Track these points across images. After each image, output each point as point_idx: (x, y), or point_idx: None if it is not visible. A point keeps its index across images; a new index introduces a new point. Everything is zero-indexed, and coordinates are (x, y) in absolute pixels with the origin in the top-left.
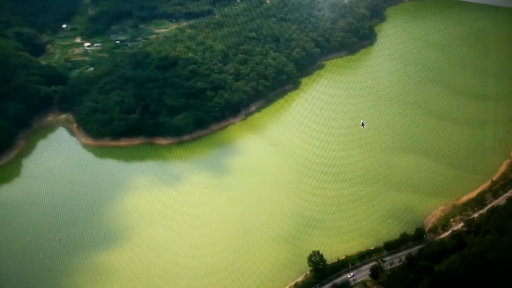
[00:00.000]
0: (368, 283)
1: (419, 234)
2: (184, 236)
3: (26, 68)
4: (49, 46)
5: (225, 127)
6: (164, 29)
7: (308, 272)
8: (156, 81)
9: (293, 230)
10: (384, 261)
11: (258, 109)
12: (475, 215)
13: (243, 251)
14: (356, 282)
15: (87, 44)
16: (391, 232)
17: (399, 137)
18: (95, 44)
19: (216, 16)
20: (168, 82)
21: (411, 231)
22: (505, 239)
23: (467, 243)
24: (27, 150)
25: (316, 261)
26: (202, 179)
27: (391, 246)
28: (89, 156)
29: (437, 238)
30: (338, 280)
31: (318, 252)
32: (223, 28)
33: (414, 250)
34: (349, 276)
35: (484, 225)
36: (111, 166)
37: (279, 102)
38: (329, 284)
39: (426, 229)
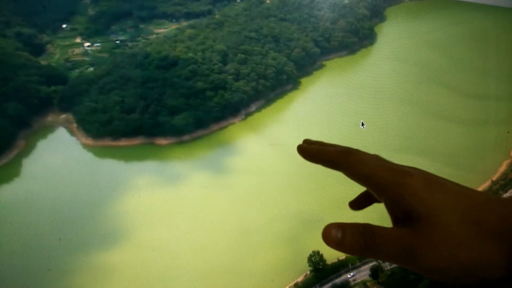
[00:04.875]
0: (368, 283)
1: None
2: (184, 236)
3: (26, 68)
4: (49, 46)
5: (225, 127)
6: (164, 29)
7: (308, 272)
8: (156, 81)
9: (293, 230)
10: (384, 261)
11: (258, 109)
12: None
13: (243, 251)
14: (356, 282)
15: (87, 44)
16: None
17: (399, 137)
18: (95, 44)
19: (216, 16)
20: (168, 82)
21: None
22: None
23: None
24: (27, 150)
25: (316, 261)
26: (202, 179)
27: None
28: (89, 156)
29: None
30: (338, 280)
31: (318, 252)
32: (223, 28)
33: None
34: (349, 276)
35: None
36: (111, 166)
37: (279, 102)
38: (329, 284)
39: None
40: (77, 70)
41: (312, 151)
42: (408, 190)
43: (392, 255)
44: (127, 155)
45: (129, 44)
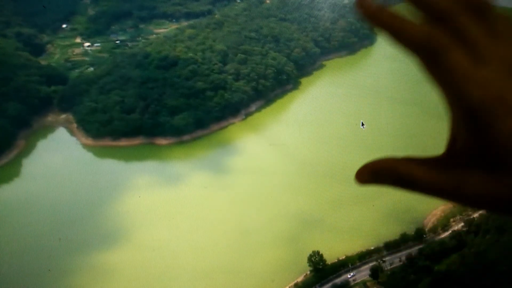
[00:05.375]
0: (368, 283)
1: (419, 234)
2: (184, 236)
3: (26, 68)
4: (49, 46)
5: (225, 127)
6: (164, 29)
7: (308, 272)
8: (156, 81)
9: (293, 230)
10: (384, 261)
11: (258, 109)
12: (475, 215)
13: (243, 251)
14: (356, 282)
15: (87, 44)
16: (391, 232)
17: (399, 137)
18: (95, 44)
19: (216, 16)
20: (168, 82)
21: (411, 231)
22: (505, 239)
23: (467, 243)
24: (27, 150)
25: (316, 261)
26: (202, 179)
27: (391, 246)
28: (89, 156)
29: (437, 238)
30: (338, 280)
31: (318, 252)
32: (223, 28)
33: (414, 250)
34: (349, 276)
35: (484, 225)
36: (111, 166)
37: (279, 102)
38: (329, 284)
39: (426, 229)
40: (77, 70)
41: (383, 12)
42: (496, 128)
43: (432, 192)
44: (127, 155)
45: (129, 44)
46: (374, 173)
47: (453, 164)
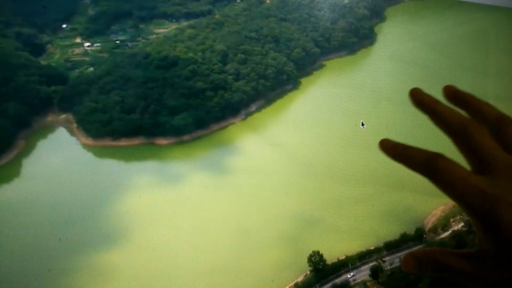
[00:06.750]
0: (368, 283)
1: (419, 234)
2: (184, 236)
3: (26, 68)
4: (49, 46)
5: (225, 127)
6: (164, 29)
7: (308, 272)
8: (156, 81)
9: (293, 230)
10: (384, 261)
11: (258, 109)
12: None
13: (243, 251)
14: (356, 282)
15: (87, 44)
16: (391, 232)
17: (399, 137)
18: (95, 44)
19: (216, 16)
20: (168, 82)
21: (411, 231)
22: None
23: (467, 243)
24: (27, 150)
25: (316, 261)
26: (202, 179)
27: (391, 246)
28: (89, 156)
29: (437, 238)
30: (338, 280)
31: (318, 252)
32: (223, 28)
33: (414, 250)
34: (349, 276)
35: None
36: (111, 166)
37: (279, 102)
38: (329, 284)
39: (426, 229)
40: (77, 70)
41: (397, 147)
42: (499, 225)
43: (466, 281)
44: (127, 155)
45: (129, 44)
46: (418, 262)
47: (483, 259)
